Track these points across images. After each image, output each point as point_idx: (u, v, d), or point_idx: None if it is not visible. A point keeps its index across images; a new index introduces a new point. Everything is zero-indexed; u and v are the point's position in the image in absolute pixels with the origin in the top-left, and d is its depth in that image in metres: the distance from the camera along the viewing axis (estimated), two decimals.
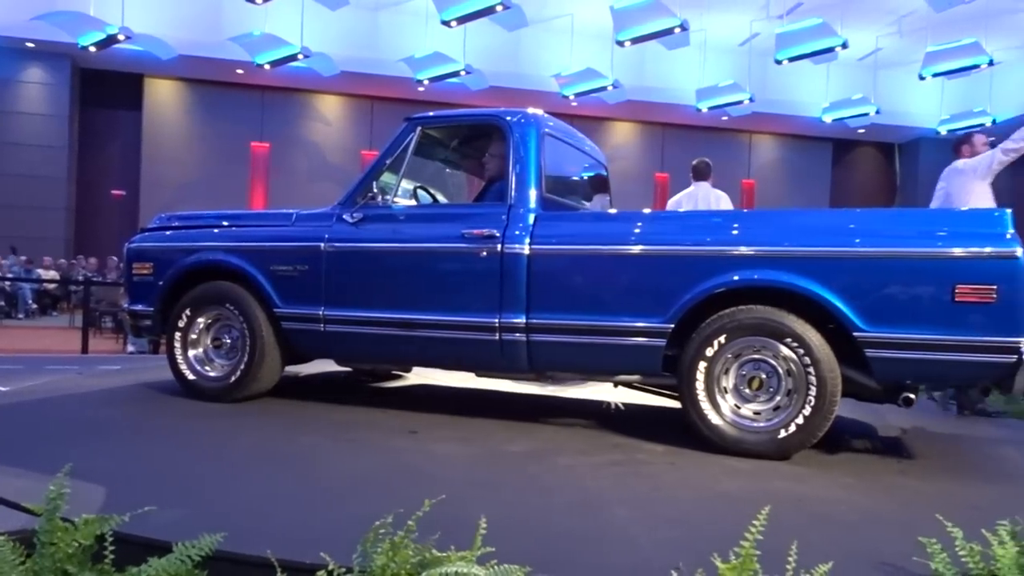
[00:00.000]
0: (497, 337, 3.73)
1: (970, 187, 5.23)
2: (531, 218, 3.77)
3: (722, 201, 6.37)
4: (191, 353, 4.36)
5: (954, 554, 1.95)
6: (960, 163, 5.45)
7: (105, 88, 17.93)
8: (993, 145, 5.37)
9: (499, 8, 12.95)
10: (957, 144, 5.73)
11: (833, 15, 14.11)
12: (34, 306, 15.13)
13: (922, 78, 15.45)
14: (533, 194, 3.83)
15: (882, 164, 21.70)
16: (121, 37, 14.23)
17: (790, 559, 1.87)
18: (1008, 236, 3.09)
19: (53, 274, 15.59)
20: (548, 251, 3.70)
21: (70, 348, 9.20)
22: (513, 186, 3.85)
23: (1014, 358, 3.04)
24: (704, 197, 6.33)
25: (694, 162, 6.58)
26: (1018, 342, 3.04)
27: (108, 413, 4.03)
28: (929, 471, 3.36)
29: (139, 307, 4.51)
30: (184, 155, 18.40)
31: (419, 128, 4.16)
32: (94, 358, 7.69)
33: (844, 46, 13.93)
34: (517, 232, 3.73)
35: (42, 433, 3.48)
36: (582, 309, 3.64)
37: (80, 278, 14.31)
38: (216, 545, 1.94)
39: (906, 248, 3.19)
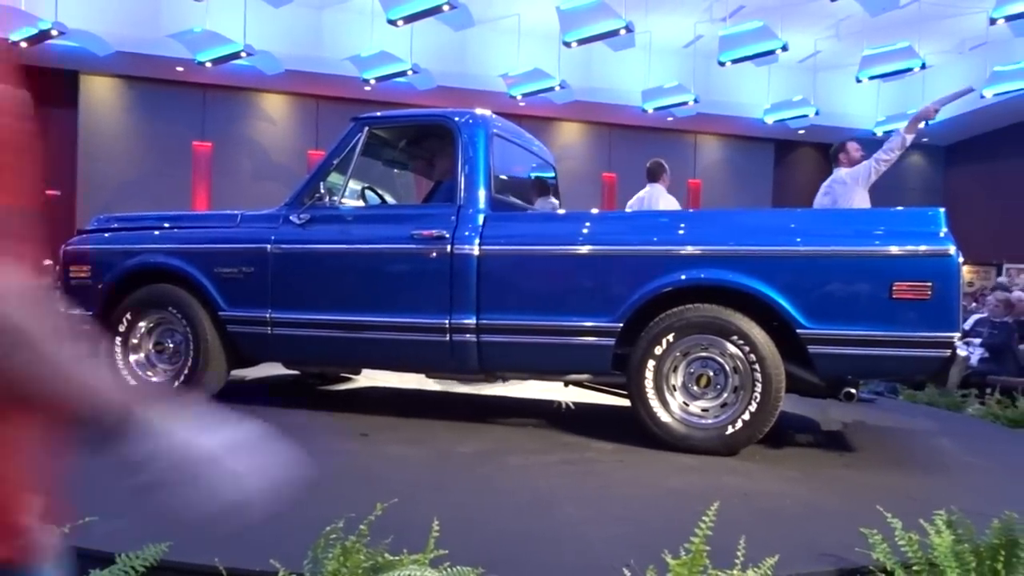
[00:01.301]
0: (447, 338, 3.72)
1: (852, 195, 5.63)
2: (480, 219, 3.77)
3: (668, 205, 6.41)
4: (132, 358, 4.25)
5: (894, 544, 2.01)
6: (843, 174, 5.85)
7: (38, 85, 17.07)
8: (867, 151, 5.85)
9: (446, 8, 12.90)
10: (835, 153, 6.16)
11: (774, 18, 14.42)
12: None
13: (859, 80, 15.92)
14: (482, 195, 3.83)
15: (822, 164, 22.14)
16: (54, 32, 13.78)
17: (738, 553, 1.90)
18: (941, 234, 3.20)
19: None
20: (498, 252, 3.71)
21: None
22: (462, 187, 3.85)
23: (947, 353, 3.15)
24: (654, 199, 6.39)
25: (648, 163, 6.62)
26: (951, 337, 3.15)
27: None
28: (870, 464, 3.46)
29: (77, 311, 4.38)
30: (123, 155, 17.89)
31: (366, 128, 4.12)
32: None
33: (784, 49, 14.24)
34: (467, 233, 3.73)
35: None
36: (532, 309, 3.65)
37: None
38: (161, 555, 1.89)
39: (846, 247, 3.28)
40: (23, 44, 14.19)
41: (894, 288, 3.17)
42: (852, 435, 4.10)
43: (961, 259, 3.17)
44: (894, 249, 3.22)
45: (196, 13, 14.58)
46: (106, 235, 4.52)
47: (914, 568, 1.96)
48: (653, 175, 6.50)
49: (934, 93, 18.04)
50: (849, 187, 5.63)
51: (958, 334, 3.18)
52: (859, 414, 4.71)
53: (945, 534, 2.01)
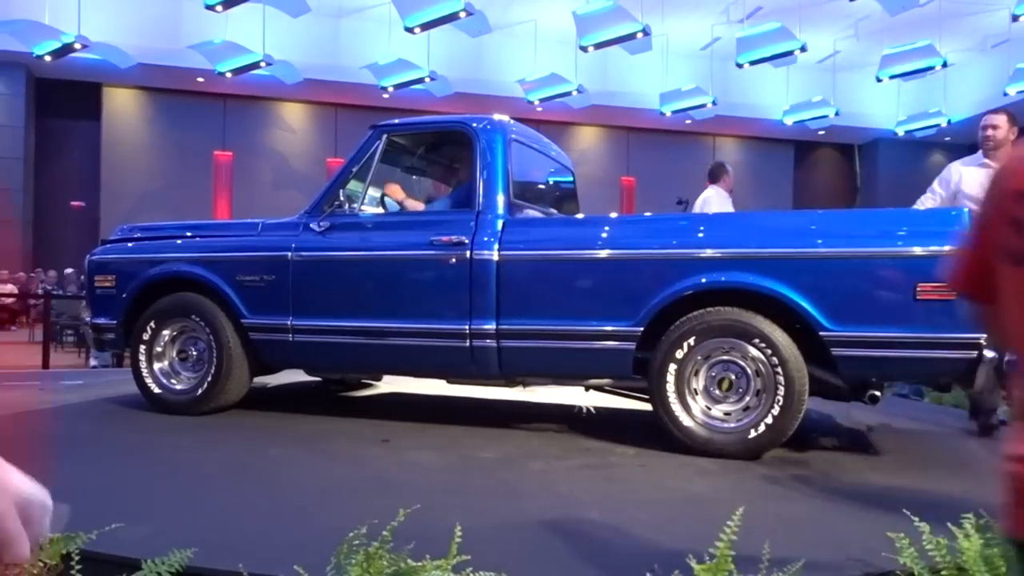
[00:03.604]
0: (468, 344, 3.72)
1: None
2: (499, 224, 3.77)
3: (719, 208, 6.26)
4: (156, 366, 4.29)
5: (922, 548, 1.99)
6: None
7: (62, 98, 17.59)
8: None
9: (462, 14, 12.96)
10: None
11: (792, 19, 14.33)
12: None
13: (879, 80, 15.76)
14: (501, 200, 3.84)
15: (843, 165, 22.08)
16: (78, 46, 13.99)
17: (763, 558, 1.89)
18: None
19: (11, 288, 15.24)
20: (517, 257, 3.71)
21: (31, 363, 8.99)
22: (481, 192, 3.85)
23: (975, 354, 3.11)
24: (707, 202, 6.29)
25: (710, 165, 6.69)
26: (978, 338, 3.10)
27: (72, 429, 3.95)
28: (896, 467, 3.42)
29: (102, 320, 4.43)
30: (145, 165, 18.12)
31: (385, 135, 4.14)
32: (56, 373, 7.53)
33: (803, 49, 14.15)
34: (486, 238, 3.73)
35: (2, 451, 3.39)
36: (552, 314, 3.65)
37: (40, 291, 14.01)
38: (186, 561, 1.91)
39: (868, 248, 3.25)
40: (47, 58, 14.42)
41: (919, 289, 3.14)
42: (877, 438, 4.06)
43: None
44: (918, 250, 3.18)
45: (216, 24, 14.74)
46: (129, 245, 4.57)
47: (942, 573, 1.93)
48: (712, 176, 6.45)
49: (956, 92, 17.90)
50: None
51: (985, 335, 3.14)
52: (884, 416, 4.66)
53: (974, 538, 1.98)
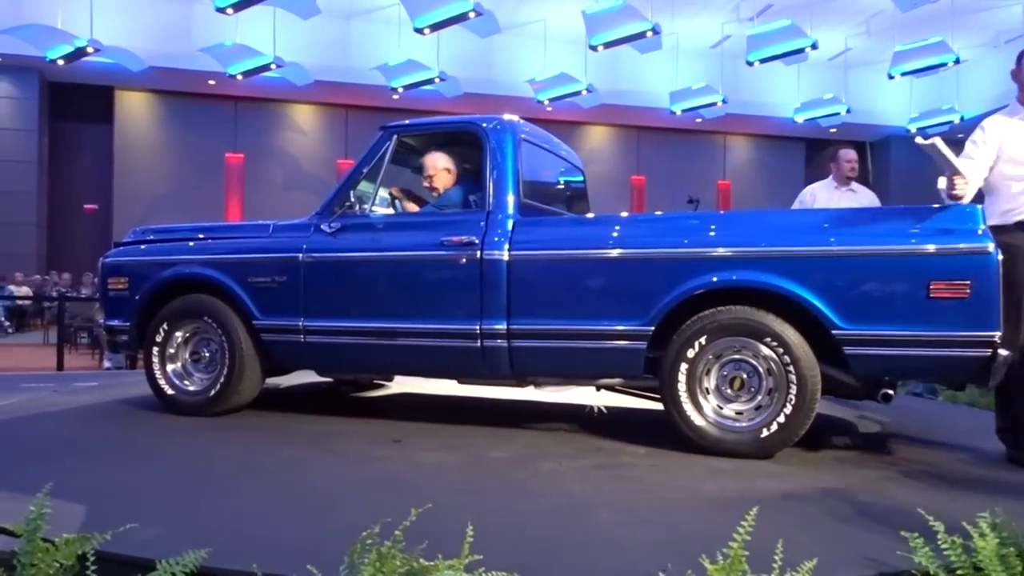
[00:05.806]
0: (478, 344, 3.73)
1: None
2: (510, 224, 3.77)
3: (813, 201, 5.87)
4: (169, 367, 4.31)
5: (937, 547, 1.98)
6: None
7: (75, 101, 17.74)
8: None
9: (472, 15, 12.99)
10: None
11: (802, 16, 14.28)
12: (7, 323, 14.90)
13: (891, 77, 15.69)
14: (511, 200, 3.84)
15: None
16: (90, 50, 14.10)
17: (776, 558, 1.88)
18: (980, 232, 3.14)
19: (25, 290, 15.37)
20: (528, 256, 3.71)
21: (45, 365, 9.06)
22: (491, 192, 3.85)
23: (988, 352, 3.08)
24: (813, 196, 5.96)
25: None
26: (992, 336, 3.08)
27: (86, 430, 3.97)
28: (909, 466, 3.40)
29: (116, 322, 4.46)
30: (157, 168, 18.24)
31: (395, 136, 4.15)
32: (70, 375, 7.58)
33: (814, 47, 14.10)
34: (496, 238, 3.73)
35: (19, 453, 3.43)
36: (563, 314, 3.64)
37: (54, 294, 14.12)
38: (200, 561, 1.92)
39: (881, 246, 3.23)
40: (60, 62, 14.53)
41: (931, 287, 3.12)
42: (890, 437, 4.04)
43: (1001, 257, 3.11)
44: (931, 247, 3.16)
45: (227, 27, 14.83)
46: (142, 247, 4.60)
47: (958, 572, 1.92)
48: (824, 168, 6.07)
49: (969, 88, 17.78)
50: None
51: (999, 333, 3.11)
52: (898, 415, 4.63)
53: (989, 537, 1.96)
